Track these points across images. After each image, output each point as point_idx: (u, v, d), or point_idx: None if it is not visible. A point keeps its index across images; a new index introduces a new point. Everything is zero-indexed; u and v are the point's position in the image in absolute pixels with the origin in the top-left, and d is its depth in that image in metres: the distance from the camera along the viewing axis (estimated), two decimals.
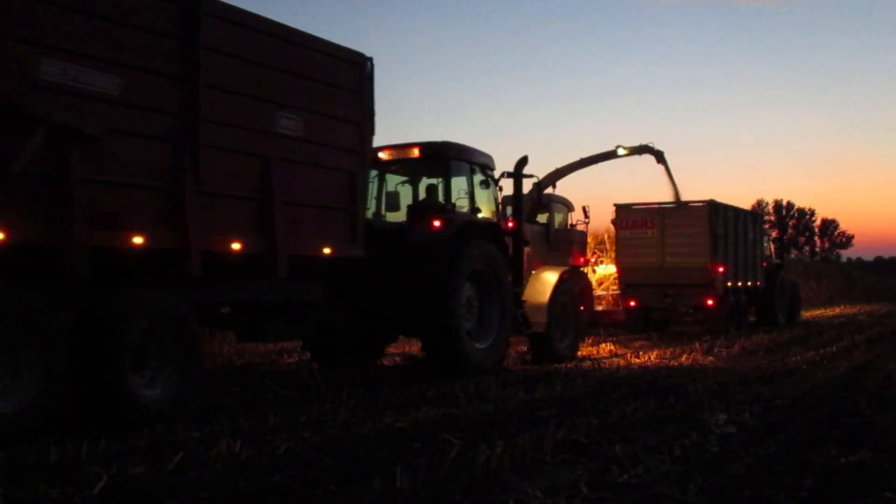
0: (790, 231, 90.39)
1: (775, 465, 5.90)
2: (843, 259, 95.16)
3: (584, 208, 17.64)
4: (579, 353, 14.94)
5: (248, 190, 8.96)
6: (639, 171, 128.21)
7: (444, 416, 8.06)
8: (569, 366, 13.30)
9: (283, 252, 9.17)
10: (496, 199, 13.48)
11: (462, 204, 12.77)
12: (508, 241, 13.20)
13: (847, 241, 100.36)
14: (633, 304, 21.60)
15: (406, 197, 13.13)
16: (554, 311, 13.87)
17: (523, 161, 13.87)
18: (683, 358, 14.67)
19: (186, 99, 8.26)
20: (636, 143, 25.33)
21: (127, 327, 7.44)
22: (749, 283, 23.35)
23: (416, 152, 12.58)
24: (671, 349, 16.39)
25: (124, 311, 7.51)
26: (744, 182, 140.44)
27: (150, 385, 7.71)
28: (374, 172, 12.54)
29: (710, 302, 21.04)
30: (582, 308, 15.38)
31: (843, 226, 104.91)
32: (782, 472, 5.66)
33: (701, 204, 21.88)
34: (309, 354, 12.75)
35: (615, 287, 24.53)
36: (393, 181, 13.28)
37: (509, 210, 14.16)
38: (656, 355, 15.19)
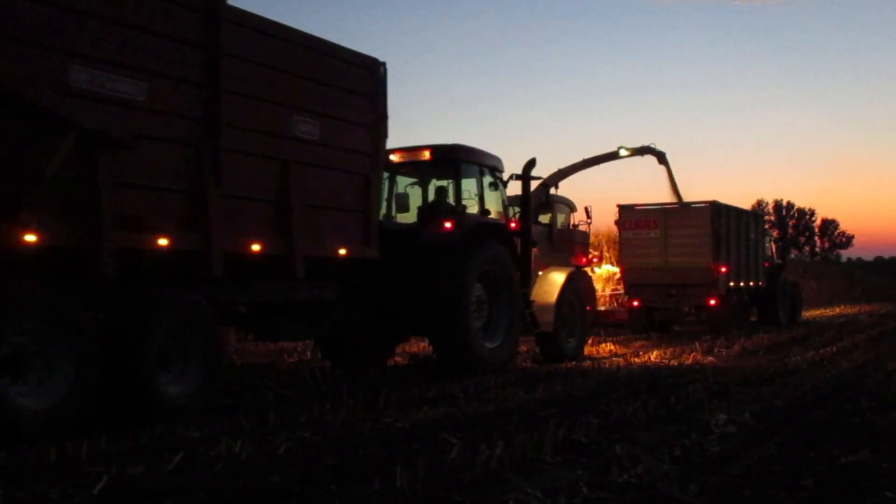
0: (790, 231, 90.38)
1: (775, 465, 5.88)
2: (843, 259, 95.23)
3: (586, 208, 17.75)
4: None
5: (267, 193, 9.15)
6: (640, 172, 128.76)
7: (444, 416, 8.05)
8: (569, 366, 13.33)
9: (300, 253, 9.35)
10: (504, 201, 13.65)
11: (470, 205, 12.91)
12: (516, 241, 13.34)
13: (847, 241, 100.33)
14: (636, 303, 21.72)
15: (415, 198, 13.29)
16: (561, 311, 14.07)
17: (531, 163, 14.02)
18: (683, 358, 14.68)
19: (208, 104, 8.45)
20: (638, 145, 25.42)
21: (153, 326, 7.64)
22: (751, 284, 23.43)
23: (426, 155, 12.76)
24: (671, 349, 16.39)
25: (151, 310, 7.71)
26: (744, 182, 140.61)
27: (174, 382, 7.89)
28: (384, 174, 12.61)
29: (712, 302, 21.14)
30: (588, 308, 15.50)
31: (843, 226, 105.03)
32: (782, 472, 5.64)
33: (704, 205, 21.99)
34: (316, 354, 12.81)
35: (614, 287, 24.58)
36: (402, 183, 13.41)
37: (511, 211, 14.26)
38: (656, 355, 15.19)
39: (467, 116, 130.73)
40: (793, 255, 35.47)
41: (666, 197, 25.04)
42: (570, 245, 16.60)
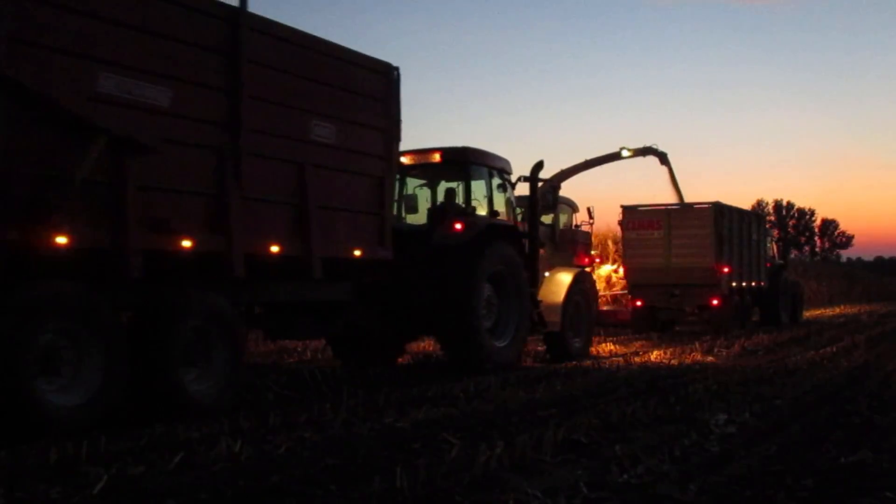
0: (790, 231, 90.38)
1: (775, 465, 5.85)
2: (843, 259, 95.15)
3: (588, 209, 17.86)
4: None
5: (286, 195, 9.33)
6: (641, 172, 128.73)
7: (444, 416, 8.01)
8: (569, 365, 13.33)
9: (317, 254, 9.52)
10: (512, 203, 13.82)
11: (479, 206, 13.07)
12: (524, 242, 13.50)
13: (847, 241, 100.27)
14: (639, 303, 21.83)
15: (423, 199, 13.44)
16: (568, 311, 14.26)
17: (539, 165, 14.18)
18: (683, 358, 14.67)
19: (230, 109, 8.62)
20: (640, 145, 25.48)
21: (179, 326, 7.88)
22: (753, 284, 23.52)
23: (437, 157, 12.95)
24: (671, 349, 16.37)
25: (176, 310, 7.94)
26: (744, 182, 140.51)
27: (198, 380, 8.10)
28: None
29: (715, 302, 21.24)
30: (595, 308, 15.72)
31: (843, 226, 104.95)
32: (782, 472, 5.61)
33: (706, 205, 22.10)
34: (317, 354, 12.87)
35: (615, 288, 24.61)
36: (411, 184, 13.54)
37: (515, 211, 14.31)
38: (656, 355, 15.18)
39: (467, 117, 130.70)
40: (792, 255, 35.46)
41: (668, 197, 25.14)
42: (572, 245, 16.69)
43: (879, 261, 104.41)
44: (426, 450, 6.34)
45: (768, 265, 25.23)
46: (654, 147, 25.63)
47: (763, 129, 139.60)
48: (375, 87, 10.72)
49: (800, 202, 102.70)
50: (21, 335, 6.63)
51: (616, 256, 28.41)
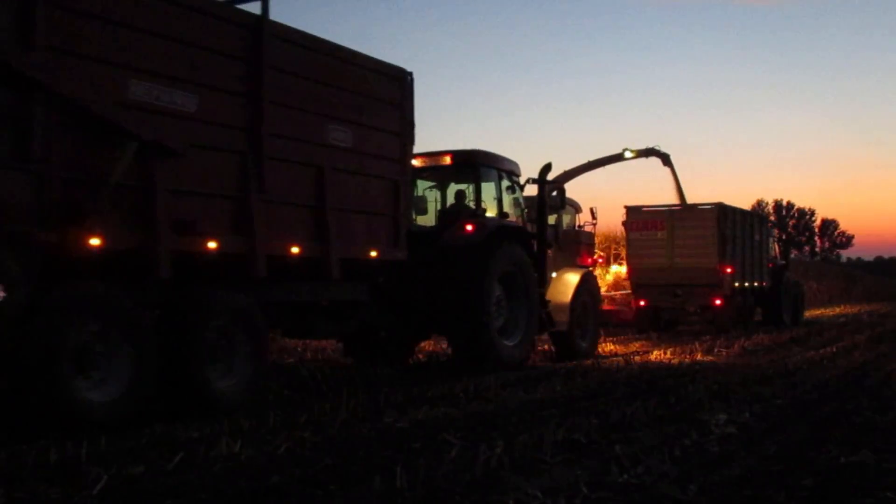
0: (790, 231, 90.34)
1: (775, 465, 5.81)
2: (843, 259, 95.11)
3: (591, 210, 18.02)
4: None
5: (305, 198, 9.55)
6: (644, 173, 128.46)
7: (444, 416, 7.97)
8: (569, 365, 13.35)
9: (335, 255, 9.73)
10: (521, 204, 14.01)
11: (489, 208, 13.26)
12: (533, 243, 13.68)
13: (847, 241, 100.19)
14: (642, 303, 21.95)
15: (432, 201, 13.65)
16: (576, 311, 14.47)
17: (547, 168, 14.40)
18: (683, 358, 14.67)
19: (252, 114, 8.84)
20: (643, 146, 25.58)
21: (205, 324, 8.10)
22: (755, 284, 23.62)
23: (447, 160, 13.18)
24: (671, 349, 16.36)
25: (203, 309, 8.16)
26: (744, 182, 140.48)
27: (223, 377, 8.31)
28: None
29: (718, 302, 21.36)
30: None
31: (843, 226, 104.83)
32: (782, 472, 5.58)
33: (710, 206, 22.24)
34: (317, 354, 13.00)
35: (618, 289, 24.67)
36: (420, 186, 13.67)
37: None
38: (656, 355, 15.17)
39: (467, 117, 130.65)
40: (792, 255, 35.47)
41: (671, 198, 25.21)
42: (575, 246, 16.81)
43: (879, 261, 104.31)
44: (426, 450, 6.30)
45: (770, 265, 25.33)
46: (657, 148, 25.74)
47: (763, 129, 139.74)
48: (390, 91, 10.96)
49: (800, 202, 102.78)
50: (57, 334, 6.84)
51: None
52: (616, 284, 26.35)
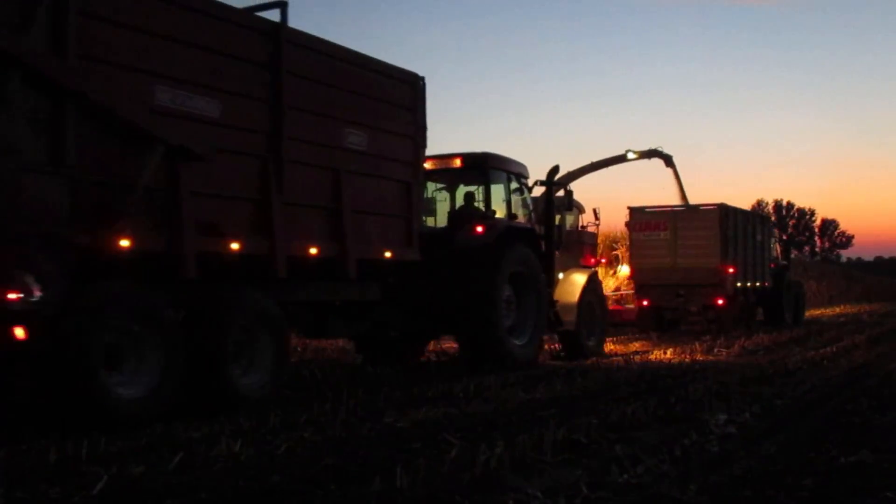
0: (790, 231, 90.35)
1: (775, 465, 5.79)
2: (843, 259, 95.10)
3: (594, 210, 18.14)
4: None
5: (323, 200, 9.78)
6: (646, 174, 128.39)
7: (444, 416, 7.92)
8: (570, 365, 13.37)
9: (352, 256, 9.96)
10: (529, 206, 14.17)
11: (498, 209, 13.43)
12: (541, 244, 13.87)
13: (847, 241, 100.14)
14: (645, 303, 22.05)
15: (440, 203, 13.83)
16: (582, 310, 14.64)
17: (555, 170, 14.72)
18: (683, 358, 14.66)
19: (272, 119, 9.06)
20: (646, 148, 25.65)
21: (229, 323, 8.32)
22: (757, 284, 23.70)
23: (457, 162, 13.35)
24: (671, 349, 16.35)
25: (227, 308, 8.38)
26: (744, 182, 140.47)
27: (246, 374, 8.53)
28: None
29: (720, 302, 21.48)
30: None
31: (843, 226, 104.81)
32: (782, 472, 5.54)
33: (712, 207, 22.35)
34: (319, 354, 13.34)
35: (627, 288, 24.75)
36: (429, 188, 13.75)
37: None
38: (656, 355, 15.16)
39: (468, 117, 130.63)
40: (792, 256, 35.50)
41: (671, 199, 25.28)
42: (579, 246, 16.91)
43: (879, 261, 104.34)
44: (426, 450, 6.27)
45: (772, 266, 25.42)
46: (660, 149, 25.82)
47: (763, 129, 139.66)
48: (403, 96, 11.17)
49: (800, 202, 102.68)
50: (90, 332, 7.04)
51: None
52: (616, 287, 26.40)
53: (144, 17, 7.76)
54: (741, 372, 11.72)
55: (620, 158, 25.28)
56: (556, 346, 15.30)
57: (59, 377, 6.88)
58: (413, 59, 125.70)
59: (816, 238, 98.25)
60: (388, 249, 10.69)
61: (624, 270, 26.38)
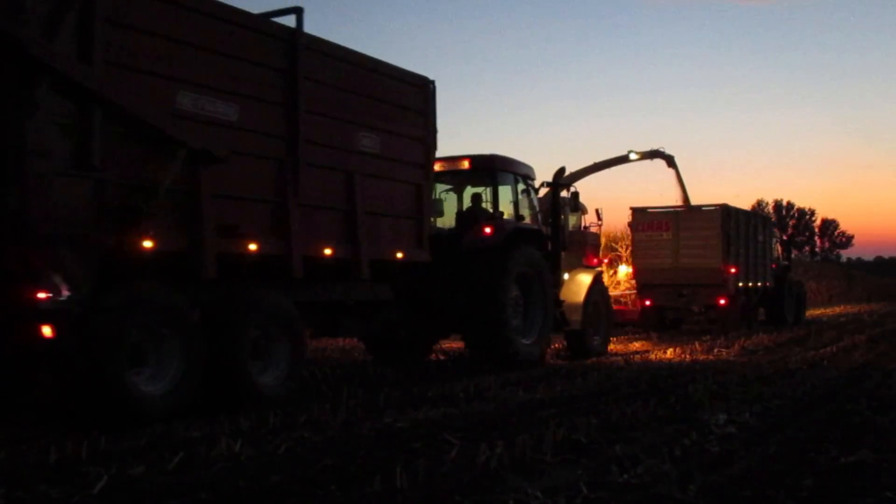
0: (790, 231, 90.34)
1: (775, 465, 5.78)
2: (843, 259, 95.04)
3: (597, 211, 18.24)
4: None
5: (337, 202, 9.98)
6: (645, 174, 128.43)
7: (444, 416, 7.89)
8: (571, 365, 13.39)
9: (365, 256, 10.16)
10: (535, 207, 14.31)
11: (505, 210, 13.54)
12: (548, 245, 14.03)
13: (847, 241, 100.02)
14: (648, 303, 22.13)
15: (448, 204, 13.95)
16: (588, 310, 14.81)
17: (561, 171, 14.89)
18: (683, 358, 14.67)
19: (288, 123, 9.23)
20: (648, 148, 25.69)
21: (248, 322, 8.50)
22: (759, 284, 23.76)
23: (465, 164, 13.48)
24: (671, 349, 16.36)
25: (246, 308, 8.55)
26: (744, 182, 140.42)
27: (263, 371, 8.70)
28: None
29: (722, 301, 21.56)
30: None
31: (843, 226, 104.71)
32: (782, 472, 5.54)
33: (714, 207, 22.44)
34: (321, 354, 13.50)
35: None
36: (437, 189, 13.80)
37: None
38: (656, 355, 15.17)
39: (468, 118, 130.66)
40: (793, 255, 35.58)
41: (670, 199, 25.34)
42: (582, 247, 16.97)
43: (879, 261, 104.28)
44: (426, 450, 6.25)
45: (774, 266, 25.49)
46: (662, 150, 25.84)
47: (763, 129, 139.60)
48: (414, 99, 11.34)
49: (800, 202, 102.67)
50: (116, 331, 7.22)
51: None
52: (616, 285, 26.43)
53: (167, 24, 7.93)
54: (741, 372, 11.71)
55: (623, 159, 25.32)
56: (558, 345, 15.31)
57: (85, 375, 7.04)
58: (413, 60, 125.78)
59: (816, 238, 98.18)
60: (399, 250, 10.87)
61: (624, 270, 26.40)
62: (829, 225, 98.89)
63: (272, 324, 8.81)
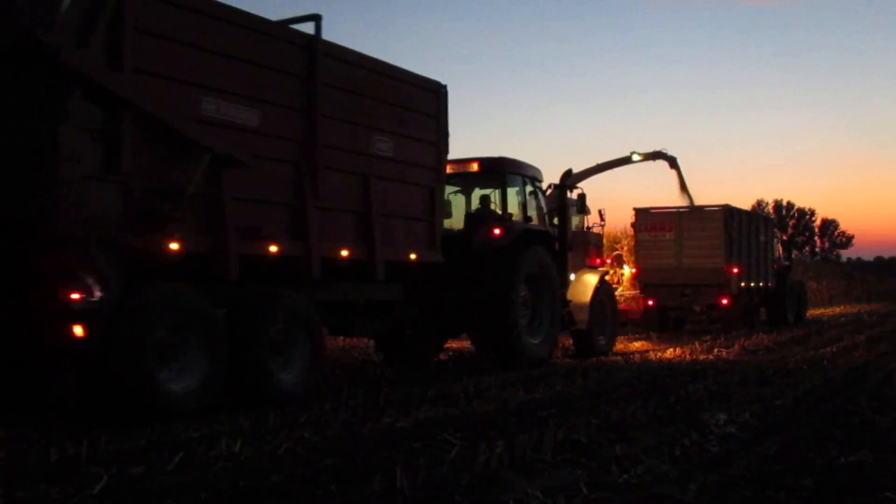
0: (790, 231, 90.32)
1: (775, 465, 5.74)
2: (843, 259, 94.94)
3: (599, 211, 18.35)
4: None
5: (353, 204, 10.18)
6: (646, 174, 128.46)
7: (444, 416, 7.86)
8: (572, 364, 13.40)
9: (380, 257, 10.36)
10: (543, 208, 14.51)
11: (513, 212, 13.73)
12: (555, 245, 14.20)
13: (847, 241, 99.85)
14: (651, 303, 22.20)
15: (457, 205, 14.21)
16: (595, 310, 14.98)
17: (568, 173, 15.18)
18: (683, 358, 14.67)
19: (306, 127, 9.43)
20: (650, 150, 25.72)
21: (269, 321, 8.69)
22: (761, 284, 23.84)
23: (475, 167, 13.73)
24: (672, 349, 16.37)
25: (267, 308, 8.74)
26: (744, 182, 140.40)
27: (284, 369, 8.88)
28: None
29: (724, 301, 21.64)
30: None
31: (843, 226, 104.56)
32: (782, 472, 5.51)
33: (717, 208, 22.54)
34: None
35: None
36: (445, 190, 13.74)
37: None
38: (656, 355, 15.18)
39: (469, 118, 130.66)
40: (793, 255, 35.59)
41: (670, 199, 25.39)
42: (584, 247, 17.05)
43: (879, 261, 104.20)
44: (426, 450, 6.22)
45: (775, 266, 25.59)
46: (664, 151, 25.89)
47: (763, 129, 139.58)
48: (427, 103, 11.55)
49: (800, 202, 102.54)
50: (144, 330, 7.43)
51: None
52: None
53: (193, 32, 8.13)
54: (741, 372, 11.70)
55: (625, 160, 25.37)
56: (564, 344, 15.37)
57: (115, 372, 7.24)
58: (416, 60, 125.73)
59: (816, 238, 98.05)
60: (412, 251, 11.06)
61: (625, 271, 26.44)
62: (829, 225, 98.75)
63: (292, 323, 8.98)
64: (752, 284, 23.31)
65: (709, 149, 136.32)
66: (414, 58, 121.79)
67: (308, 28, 9.61)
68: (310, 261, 9.31)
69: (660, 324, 22.20)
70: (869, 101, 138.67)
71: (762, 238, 24.33)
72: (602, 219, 18.25)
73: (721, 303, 21.82)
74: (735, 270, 22.02)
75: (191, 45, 8.11)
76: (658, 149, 25.81)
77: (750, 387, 10.07)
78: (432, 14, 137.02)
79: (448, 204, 13.62)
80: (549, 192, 15.24)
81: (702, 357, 14.67)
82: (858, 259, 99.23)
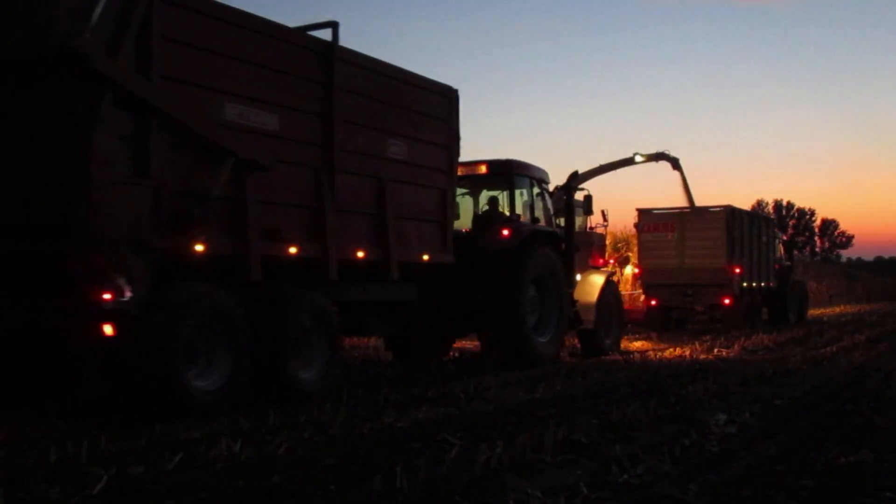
0: (790, 231, 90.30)
1: (775, 465, 5.76)
2: (843, 259, 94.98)
3: (602, 212, 18.35)
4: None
5: (369, 207, 10.40)
6: (646, 175, 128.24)
7: (444, 416, 7.87)
8: (571, 365, 13.40)
9: (395, 259, 10.57)
10: (550, 209, 14.69)
11: (521, 213, 13.90)
12: (562, 246, 14.35)
13: (847, 241, 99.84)
14: (654, 303, 22.26)
15: (465, 206, 14.35)
16: (601, 310, 15.14)
17: (574, 175, 15.43)
18: (683, 358, 14.67)
19: (325, 132, 9.65)
20: (653, 151, 25.74)
21: (290, 321, 8.89)
22: (762, 284, 23.92)
23: (483, 169, 13.89)
24: (671, 349, 16.38)
25: (288, 308, 8.94)
26: (744, 182, 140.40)
27: (303, 368, 9.08)
28: None
29: (727, 301, 21.75)
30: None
31: (843, 226, 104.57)
32: (782, 472, 5.52)
33: (719, 209, 22.65)
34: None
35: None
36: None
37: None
38: (656, 355, 15.17)
39: (470, 118, 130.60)
40: (794, 256, 35.68)
41: (673, 200, 25.44)
42: (587, 247, 17.07)
43: (879, 261, 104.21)
44: (426, 450, 6.20)
45: (777, 266, 25.65)
46: (667, 152, 25.93)
47: (763, 129, 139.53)
48: (439, 107, 11.76)
49: (800, 202, 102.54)
50: (172, 329, 7.63)
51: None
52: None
53: (217, 40, 8.33)
54: (741, 372, 11.69)
55: (628, 161, 25.41)
56: (569, 343, 15.46)
57: (144, 370, 7.45)
58: (417, 61, 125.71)
59: (816, 238, 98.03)
60: (425, 252, 11.26)
61: (626, 271, 26.47)
62: (829, 225, 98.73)
63: (312, 323, 9.17)
64: (754, 284, 23.41)
65: (709, 149, 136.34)
66: (421, 60, 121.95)
67: (325, 35, 9.83)
68: (327, 262, 9.50)
69: (663, 324, 22.17)
70: (869, 102, 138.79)
71: (764, 238, 24.45)
72: (605, 219, 18.30)
73: (723, 303, 21.94)
74: (737, 270, 22.13)
75: (215, 52, 8.31)
76: (661, 150, 25.84)
77: (750, 387, 10.06)
78: (440, 17, 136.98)
79: (456, 205, 13.63)
80: (554, 193, 15.26)
81: (702, 357, 14.66)
82: (858, 259, 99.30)
